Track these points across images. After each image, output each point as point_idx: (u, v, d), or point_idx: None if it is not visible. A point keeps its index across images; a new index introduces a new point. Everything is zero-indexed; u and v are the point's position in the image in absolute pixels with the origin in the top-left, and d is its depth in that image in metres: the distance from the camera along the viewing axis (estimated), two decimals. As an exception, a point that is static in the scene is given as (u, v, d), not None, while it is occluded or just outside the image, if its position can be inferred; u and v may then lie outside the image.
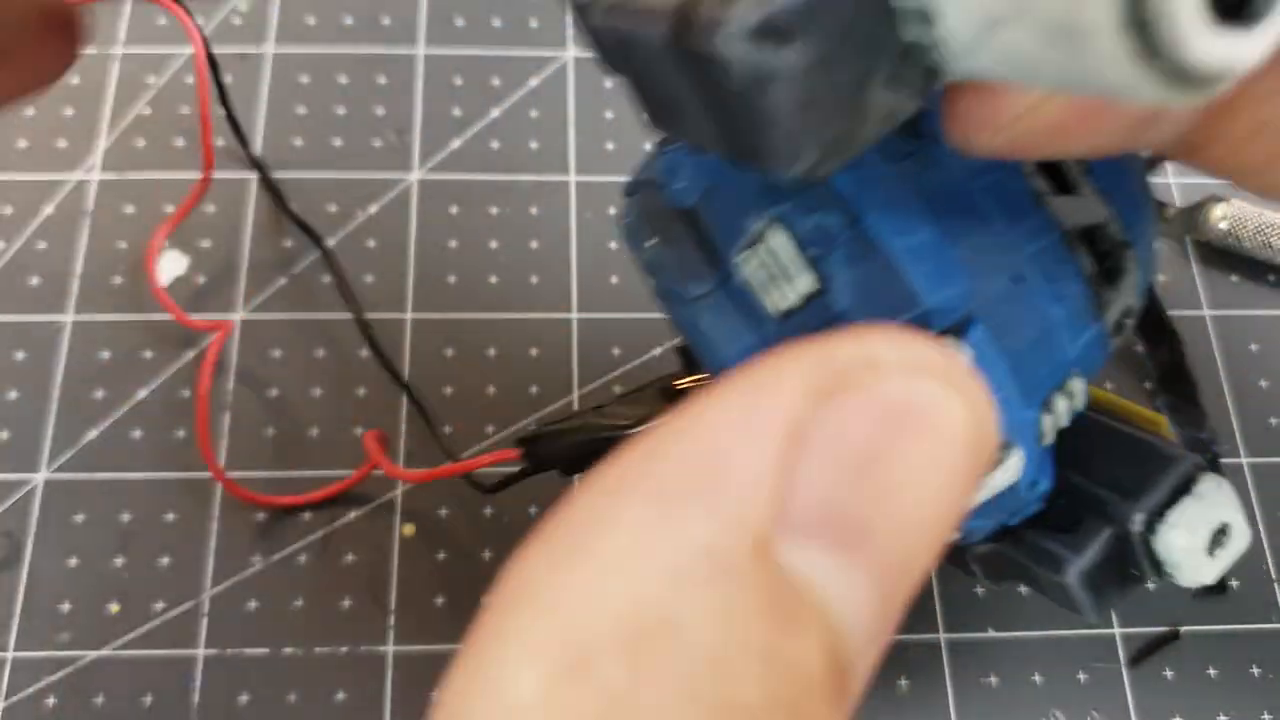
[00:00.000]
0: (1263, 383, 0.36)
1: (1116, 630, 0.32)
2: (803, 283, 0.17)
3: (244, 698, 0.30)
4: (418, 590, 0.32)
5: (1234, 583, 0.33)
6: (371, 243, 0.36)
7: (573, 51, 0.40)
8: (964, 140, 0.15)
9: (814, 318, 0.17)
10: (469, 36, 0.40)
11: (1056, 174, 0.18)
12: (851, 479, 0.12)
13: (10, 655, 0.30)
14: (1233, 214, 0.36)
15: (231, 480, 0.32)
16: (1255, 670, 0.32)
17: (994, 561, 0.20)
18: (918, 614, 0.32)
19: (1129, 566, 0.19)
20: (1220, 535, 0.18)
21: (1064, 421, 0.18)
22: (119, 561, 0.32)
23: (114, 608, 0.31)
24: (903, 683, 0.32)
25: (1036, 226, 0.17)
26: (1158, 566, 0.18)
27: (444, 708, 0.11)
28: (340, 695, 0.31)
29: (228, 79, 0.37)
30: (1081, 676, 0.32)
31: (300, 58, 0.39)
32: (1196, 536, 0.18)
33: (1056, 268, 0.17)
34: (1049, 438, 0.18)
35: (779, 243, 0.17)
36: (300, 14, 0.40)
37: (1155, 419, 0.21)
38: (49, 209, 0.36)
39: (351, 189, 0.37)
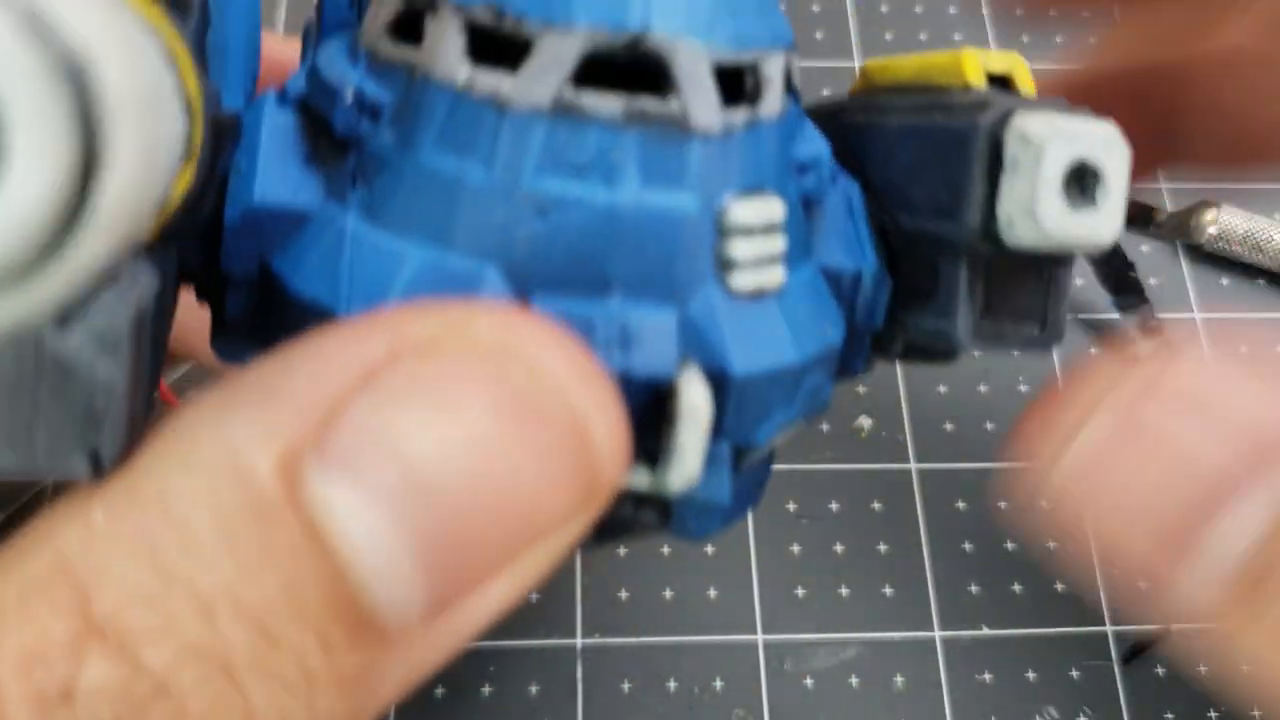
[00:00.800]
0: (1253, 384, 0.36)
1: (1109, 628, 0.33)
2: None
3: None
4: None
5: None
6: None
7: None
8: None
9: None
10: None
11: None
12: (412, 432, 0.12)
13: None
14: (1222, 219, 0.37)
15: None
16: (1247, 667, 0.32)
17: (909, 350, 0.19)
18: (913, 612, 0.33)
19: (1013, 283, 0.16)
20: (1083, 181, 0.14)
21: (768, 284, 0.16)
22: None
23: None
24: (898, 680, 0.32)
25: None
26: (1001, 247, 0.15)
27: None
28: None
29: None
30: (1074, 674, 0.32)
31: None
32: (1043, 180, 0.14)
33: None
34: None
35: None
36: (306, 24, 0.40)
37: (952, 59, 0.17)
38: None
39: None
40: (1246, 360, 0.14)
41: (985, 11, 0.42)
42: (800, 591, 0.33)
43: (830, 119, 0.19)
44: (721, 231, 0.15)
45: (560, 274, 0.15)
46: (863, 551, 0.34)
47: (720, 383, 0.15)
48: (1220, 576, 0.14)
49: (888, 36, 0.42)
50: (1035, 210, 0.14)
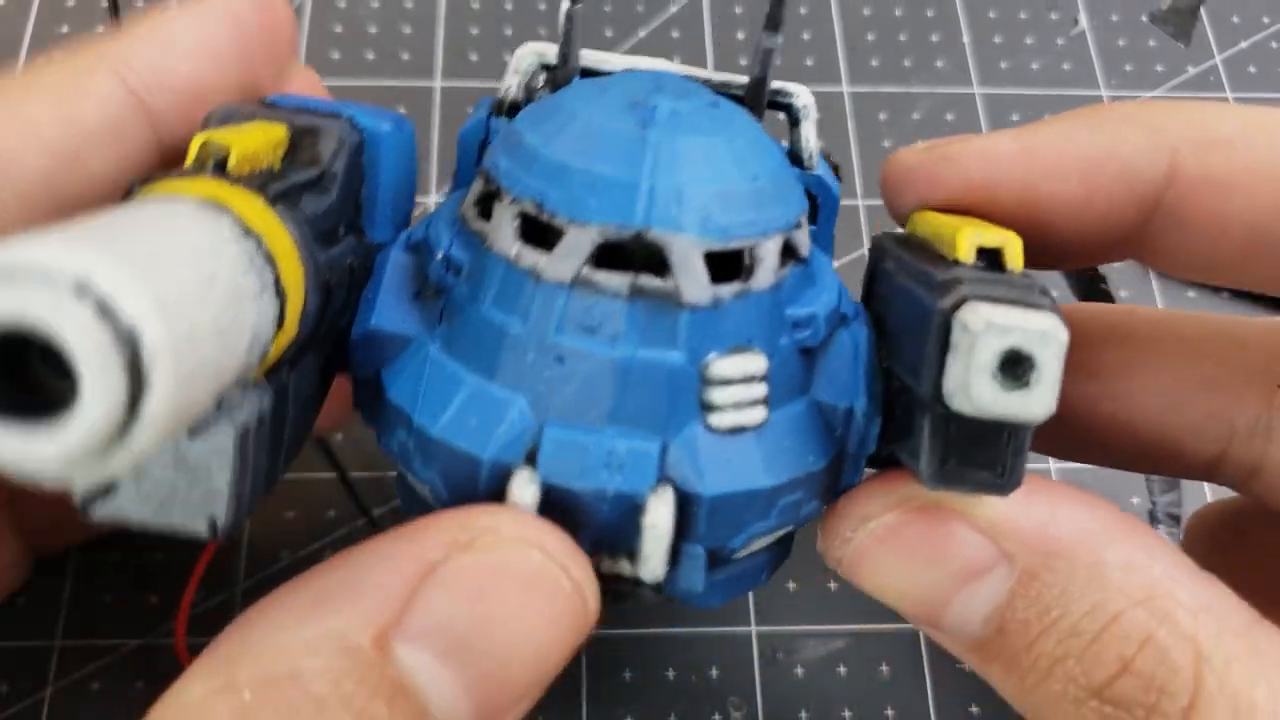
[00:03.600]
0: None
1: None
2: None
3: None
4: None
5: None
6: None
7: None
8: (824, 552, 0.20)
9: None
10: (483, 70, 0.41)
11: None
12: (461, 609, 0.16)
13: (58, 644, 0.31)
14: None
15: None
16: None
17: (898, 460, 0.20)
18: (898, 605, 0.33)
19: (977, 436, 0.17)
20: (1018, 367, 0.15)
21: (743, 420, 0.18)
22: (158, 557, 0.32)
23: (153, 599, 0.32)
24: (884, 669, 0.32)
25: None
26: (945, 407, 0.16)
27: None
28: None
29: (259, 110, 0.38)
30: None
31: (326, 89, 0.40)
32: (974, 366, 0.15)
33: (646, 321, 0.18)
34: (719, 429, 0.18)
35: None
36: (326, 49, 0.41)
37: (953, 231, 0.18)
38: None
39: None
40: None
41: (965, 39, 0.43)
42: (791, 586, 0.33)
43: (880, 254, 0.21)
44: (705, 381, 0.18)
45: (571, 407, 0.18)
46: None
47: (694, 501, 0.18)
48: (970, 631, 0.18)
49: (874, 63, 0.42)
50: (969, 390, 0.16)
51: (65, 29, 0.40)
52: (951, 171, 0.20)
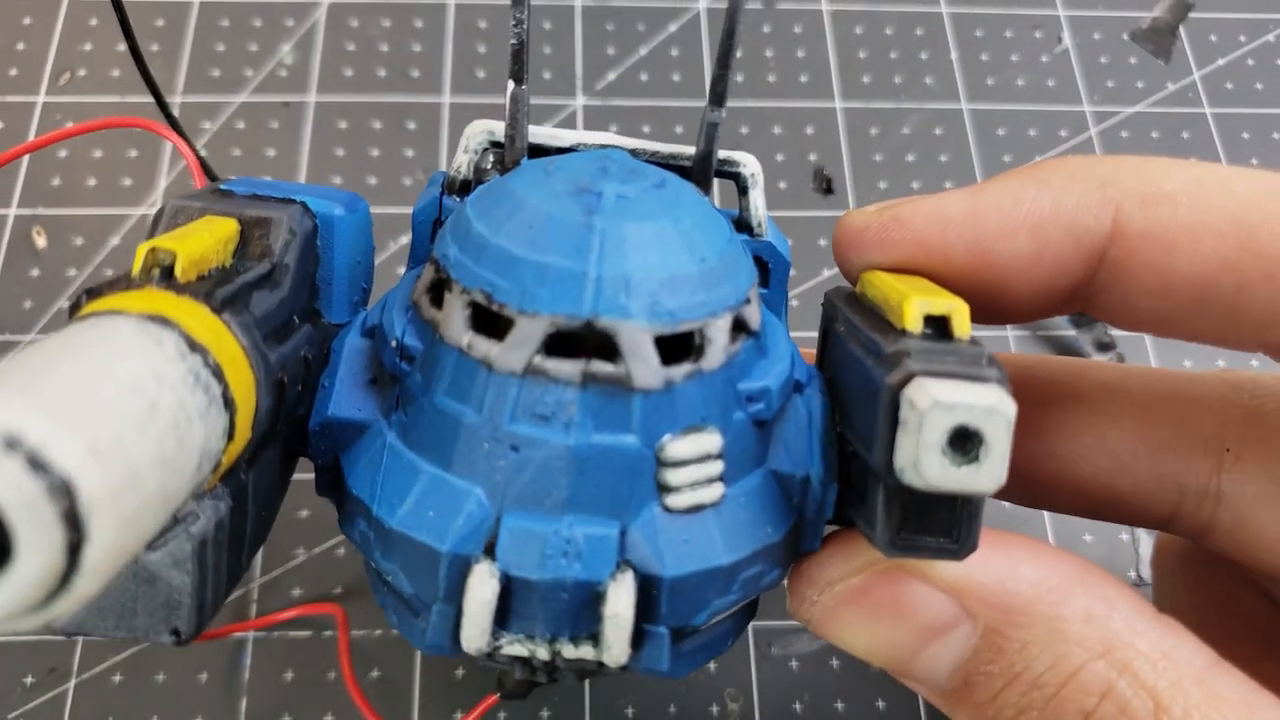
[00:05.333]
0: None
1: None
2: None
3: (288, 675, 0.31)
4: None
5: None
6: (400, 269, 0.37)
7: (581, 100, 0.41)
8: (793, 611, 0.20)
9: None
10: (489, 87, 0.41)
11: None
12: None
13: (81, 637, 0.31)
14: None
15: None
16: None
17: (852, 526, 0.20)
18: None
19: (931, 504, 0.17)
20: (967, 443, 0.15)
21: (701, 498, 0.18)
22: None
23: (173, 595, 0.32)
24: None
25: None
26: (897, 481, 0.16)
27: None
28: (375, 673, 0.31)
29: (273, 125, 0.38)
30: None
31: (339, 105, 0.40)
32: (923, 443, 0.15)
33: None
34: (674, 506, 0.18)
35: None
36: (339, 67, 0.41)
37: (900, 301, 0.18)
38: (115, 240, 0.37)
39: (385, 222, 0.38)
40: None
41: (953, 56, 0.43)
42: (785, 582, 0.33)
43: (832, 312, 0.21)
44: (661, 463, 0.17)
45: (528, 495, 0.17)
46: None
47: (656, 583, 0.17)
48: (937, 682, 0.18)
49: (865, 79, 0.43)
50: (919, 466, 0.15)
51: (89, 46, 0.41)
52: (902, 233, 0.20)
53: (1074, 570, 0.18)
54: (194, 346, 0.15)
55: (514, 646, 0.18)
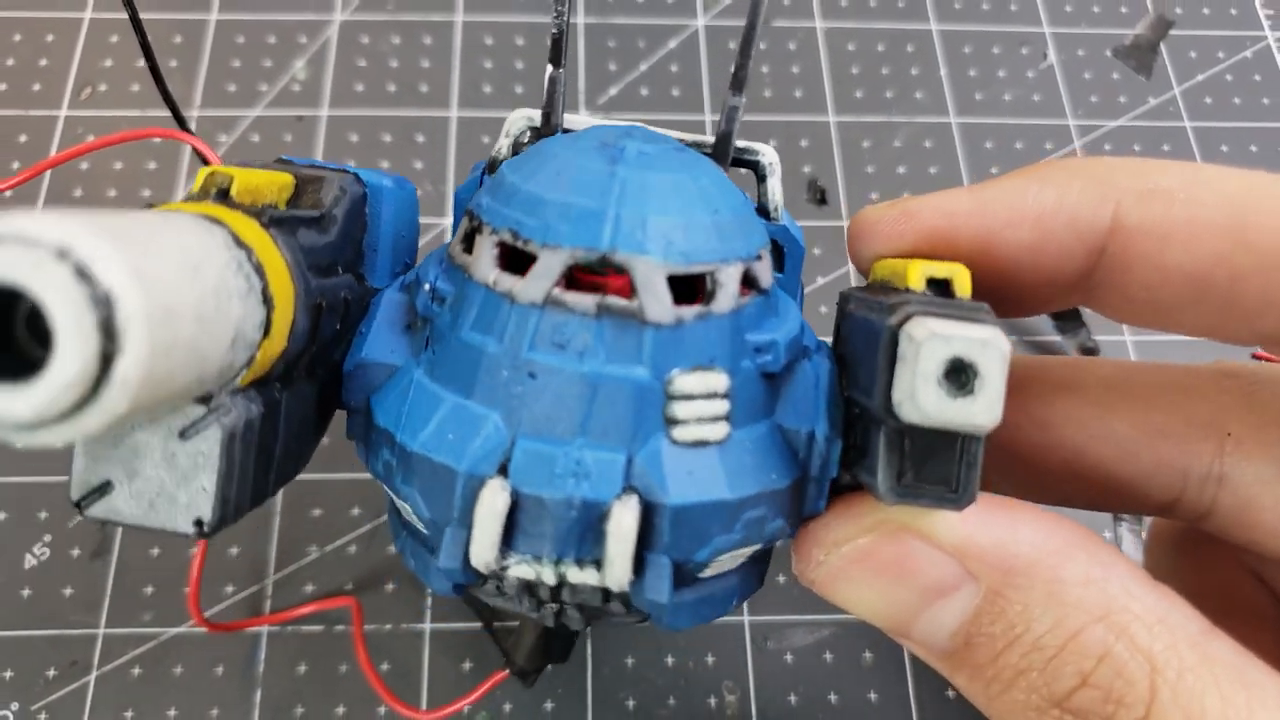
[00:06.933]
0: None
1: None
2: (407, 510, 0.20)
3: (301, 668, 0.31)
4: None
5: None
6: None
7: (584, 115, 0.42)
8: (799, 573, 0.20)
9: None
10: (495, 101, 0.42)
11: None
12: None
13: (102, 632, 0.32)
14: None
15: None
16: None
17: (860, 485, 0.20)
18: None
19: (931, 452, 0.17)
20: (963, 375, 0.16)
21: (705, 435, 0.18)
22: (194, 551, 0.33)
23: (186, 589, 0.32)
24: (867, 656, 0.33)
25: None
26: (897, 418, 0.16)
27: None
28: (385, 665, 0.32)
29: (287, 138, 0.38)
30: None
31: (350, 119, 0.41)
32: (919, 373, 0.16)
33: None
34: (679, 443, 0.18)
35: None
36: (350, 82, 0.42)
37: (904, 266, 0.19)
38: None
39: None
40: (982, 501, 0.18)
41: (942, 72, 0.44)
42: (781, 578, 0.34)
43: (844, 302, 0.21)
44: (669, 396, 0.18)
45: (542, 421, 0.18)
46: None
47: (658, 510, 0.18)
48: (938, 643, 0.18)
49: (858, 94, 0.43)
50: (915, 397, 0.16)
51: (109, 62, 0.41)
52: (912, 225, 0.21)
53: (1073, 534, 0.18)
54: (240, 243, 0.16)
55: (521, 567, 0.18)
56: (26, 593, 0.32)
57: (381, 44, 0.42)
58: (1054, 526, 0.18)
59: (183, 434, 0.16)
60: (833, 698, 0.32)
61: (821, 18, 0.45)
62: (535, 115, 0.22)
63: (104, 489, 0.17)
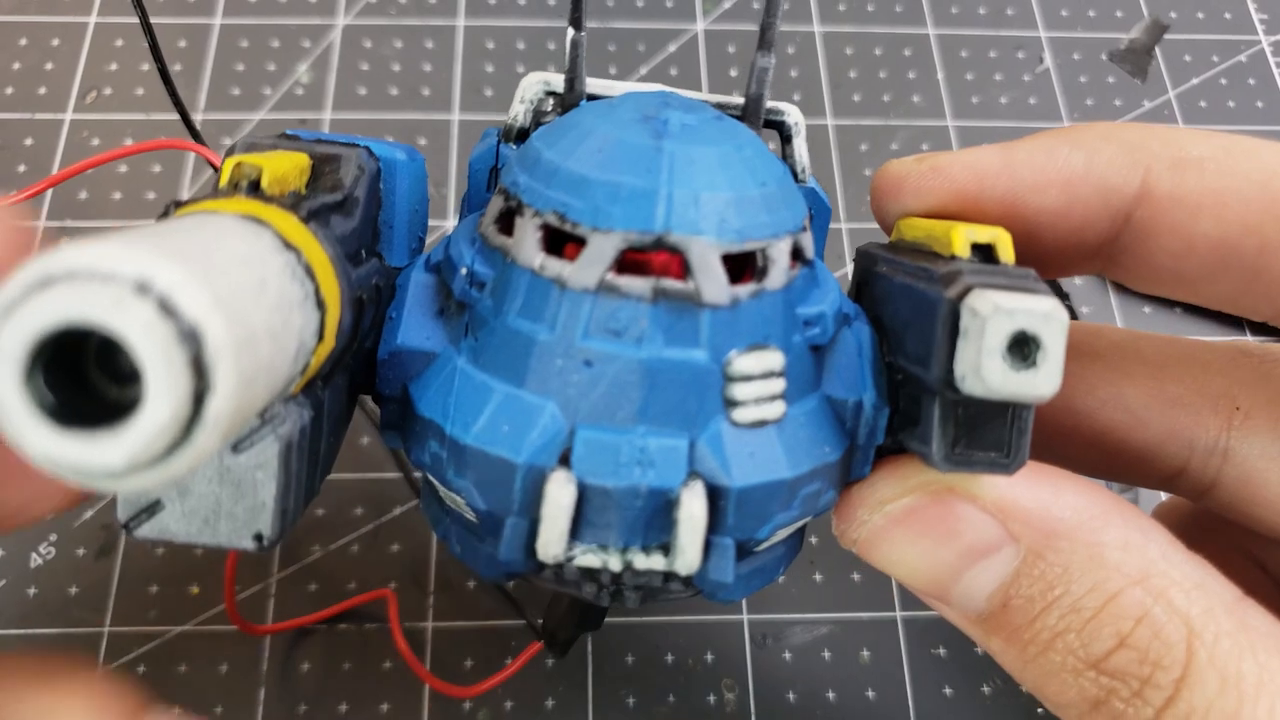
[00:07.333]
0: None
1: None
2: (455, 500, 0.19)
3: (305, 666, 0.32)
4: (453, 574, 0.33)
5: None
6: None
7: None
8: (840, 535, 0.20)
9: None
10: (496, 105, 0.42)
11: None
12: None
13: (107, 630, 0.32)
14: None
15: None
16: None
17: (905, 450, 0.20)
18: (877, 595, 0.34)
19: (983, 419, 0.17)
20: (1024, 348, 0.16)
21: (763, 414, 0.18)
22: (199, 551, 0.33)
23: (194, 590, 0.32)
24: (864, 654, 0.33)
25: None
26: (956, 390, 0.16)
27: None
28: (388, 664, 0.32)
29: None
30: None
31: (353, 122, 0.41)
32: (985, 348, 0.16)
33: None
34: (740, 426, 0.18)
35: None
36: (353, 85, 0.42)
37: (946, 230, 0.18)
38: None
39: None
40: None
41: (939, 76, 0.44)
42: (780, 578, 0.34)
43: (869, 261, 0.21)
44: (728, 378, 0.17)
45: (600, 409, 0.17)
46: (833, 543, 0.34)
47: (723, 494, 0.17)
48: (975, 605, 0.18)
49: (856, 98, 0.43)
50: (980, 371, 0.16)
51: (114, 66, 0.41)
52: (939, 181, 0.20)
53: (1112, 501, 0.18)
54: (288, 245, 0.15)
55: (587, 557, 0.17)
56: (32, 591, 0.32)
57: (384, 48, 0.43)
58: (1095, 493, 0.18)
59: (236, 448, 0.16)
60: (831, 695, 0.32)
61: (820, 22, 0.45)
62: (552, 80, 0.21)
63: (153, 508, 0.16)
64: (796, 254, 0.19)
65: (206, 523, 0.16)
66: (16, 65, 0.41)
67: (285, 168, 0.17)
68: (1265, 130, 0.43)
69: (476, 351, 0.18)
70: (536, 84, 0.21)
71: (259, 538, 0.16)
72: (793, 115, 0.22)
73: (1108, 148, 0.20)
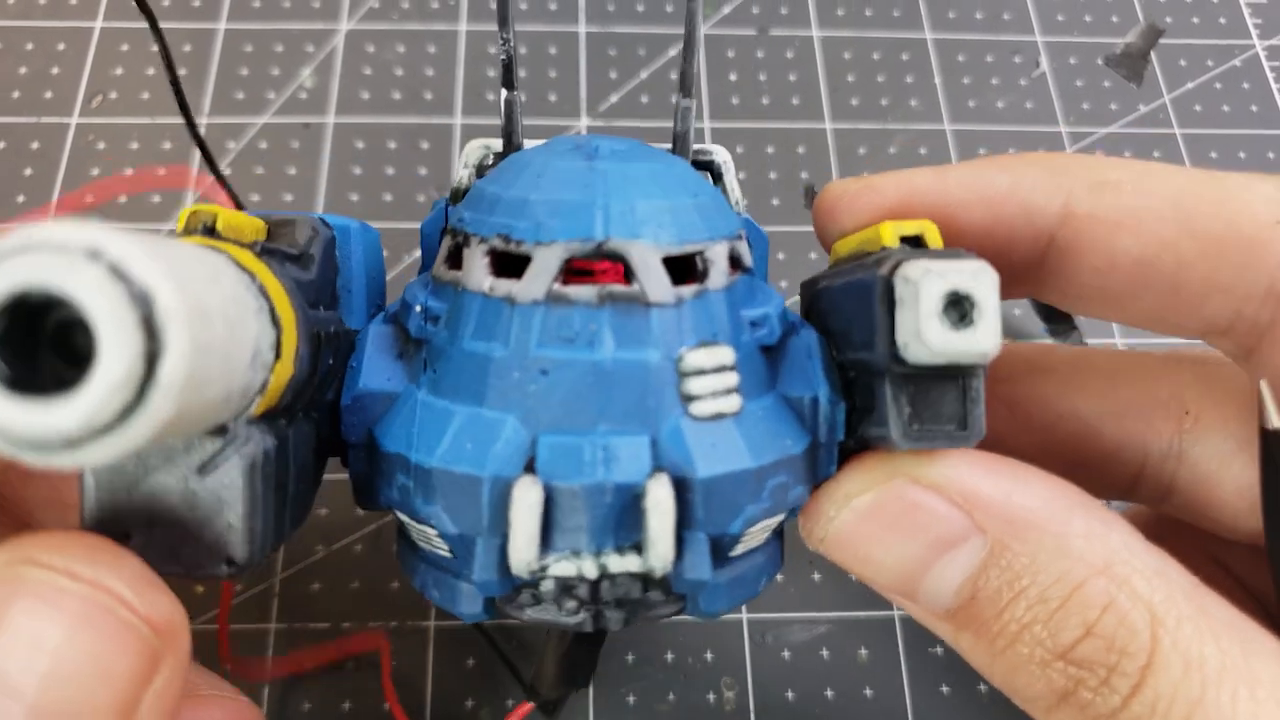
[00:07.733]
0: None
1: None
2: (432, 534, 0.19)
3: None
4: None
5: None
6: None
7: (585, 121, 0.42)
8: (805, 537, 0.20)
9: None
10: (498, 110, 0.42)
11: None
12: None
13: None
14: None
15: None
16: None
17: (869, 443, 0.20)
18: (875, 595, 0.33)
19: (934, 394, 0.18)
20: (960, 306, 0.16)
21: (720, 406, 0.18)
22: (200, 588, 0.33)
23: (199, 588, 0.33)
24: (863, 652, 0.33)
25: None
26: (899, 358, 0.17)
27: None
28: (390, 663, 0.32)
29: (294, 145, 0.39)
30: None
31: (356, 126, 0.41)
32: (921, 311, 0.16)
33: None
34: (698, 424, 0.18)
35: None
36: (356, 90, 0.42)
37: (875, 230, 0.19)
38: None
39: (399, 237, 0.39)
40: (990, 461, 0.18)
41: (937, 80, 0.44)
42: (780, 577, 0.34)
43: (811, 285, 0.22)
44: (681, 374, 0.18)
45: (561, 415, 0.18)
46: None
47: (689, 485, 0.18)
48: (943, 599, 0.18)
49: (854, 102, 0.43)
50: (921, 335, 0.16)
51: (120, 71, 0.42)
52: (873, 197, 0.21)
53: (1073, 491, 0.18)
54: (242, 268, 0.15)
55: (561, 564, 0.18)
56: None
57: (387, 53, 0.43)
58: (1059, 484, 0.18)
59: (202, 469, 0.16)
60: (829, 693, 0.32)
61: (818, 26, 0.45)
62: (492, 143, 0.22)
63: (123, 540, 0.16)
64: (735, 262, 0.19)
65: (174, 552, 0.16)
66: (23, 70, 0.41)
67: (241, 220, 0.18)
68: (1260, 134, 0.43)
69: (435, 382, 0.19)
70: (478, 148, 0.22)
71: (230, 562, 0.16)
72: (720, 155, 0.23)
73: (1032, 171, 0.21)
